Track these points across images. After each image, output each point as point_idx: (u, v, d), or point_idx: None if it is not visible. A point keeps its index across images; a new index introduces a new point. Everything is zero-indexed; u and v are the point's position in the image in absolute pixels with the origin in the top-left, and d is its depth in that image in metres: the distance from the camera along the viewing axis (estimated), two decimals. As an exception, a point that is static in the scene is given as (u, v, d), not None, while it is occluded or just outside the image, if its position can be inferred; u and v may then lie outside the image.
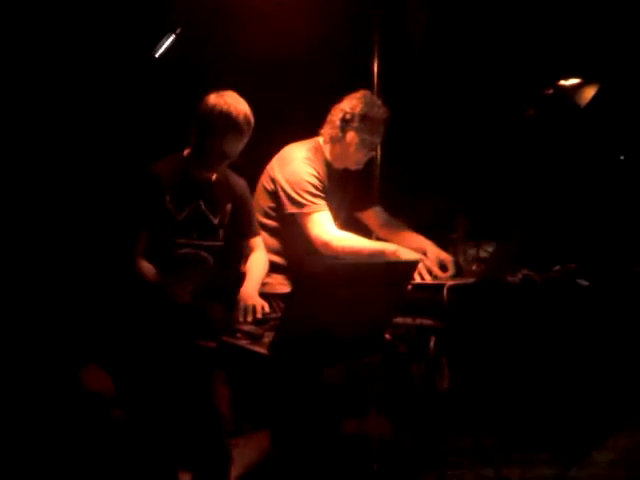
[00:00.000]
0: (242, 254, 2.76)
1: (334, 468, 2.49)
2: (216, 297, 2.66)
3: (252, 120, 2.51)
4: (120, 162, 3.29)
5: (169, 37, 3.25)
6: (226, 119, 2.46)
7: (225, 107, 2.47)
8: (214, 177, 2.63)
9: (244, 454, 3.10)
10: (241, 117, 2.47)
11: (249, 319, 2.33)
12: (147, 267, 2.48)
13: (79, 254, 3.56)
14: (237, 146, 2.53)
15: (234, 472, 2.89)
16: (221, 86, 2.59)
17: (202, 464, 2.45)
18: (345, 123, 2.87)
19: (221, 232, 2.66)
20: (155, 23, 3.33)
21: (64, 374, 3.32)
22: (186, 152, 2.62)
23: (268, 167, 2.94)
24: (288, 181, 2.83)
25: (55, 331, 3.47)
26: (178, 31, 3.23)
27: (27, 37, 3.37)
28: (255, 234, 2.78)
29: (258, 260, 2.73)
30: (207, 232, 2.61)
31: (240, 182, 2.75)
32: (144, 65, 3.38)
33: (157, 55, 3.21)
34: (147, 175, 2.52)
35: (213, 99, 2.51)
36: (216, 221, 2.63)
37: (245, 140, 2.53)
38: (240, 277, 2.70)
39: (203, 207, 2.60)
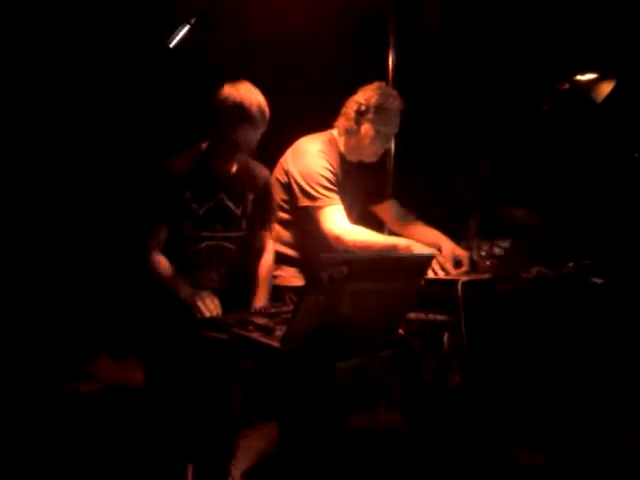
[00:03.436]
0: (252, 245, 2.74)
1: (341, 462, 2.48)
2: (239, 285, 2.67)
3: (267, 111, 2.49)
4: (135, 157, 3.30)
5: (184, 27, 3.24)
6: (239, 110, 2.44)
7: (238, 98, 2.45)
8: (234, 169, 2.61)
9: (253, 446, 3.10)
10: (254, 108, 2.45)
11: None
12: (163, 264, 2.48)
13: (94, 249, 3.58)
14: (252, 137, 2.50)
15: (243, 464, 2.89)
16: (234, 77, 2.57)
17: (205, 456, 2.45)
18: (360, 115, 2.85)
19: (244, 222, 2.65)
20: (169, 13, 3.32)
21: (76, 364, 3.34)
22: (203, 145, 2.60)
23: (282, 160, 2.93)
24: (302, 174, 2.81)
25: (68, 322, 3.48)
26: (193, 21, 3.22)
27: (42, 29, 3.37)
28: (269, 228, 2.77)
29: (267, 277, 2.72)
30: (230, 223, 2.61)
31: (264, 172, 2.74)
32: (159, 56, 3.38)
33: (172, 45, 3.20)
34: (164, 172, 2.51)
35: (227, 90, 2.49)
36: (239, 212, 2.62)
37: (260, 131, 2.51)
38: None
39: (225, 200, 2.58)
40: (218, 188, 2.57)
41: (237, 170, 2.62)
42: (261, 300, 2.61)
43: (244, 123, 2.45)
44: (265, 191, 2.72)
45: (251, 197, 2.66)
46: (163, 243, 2.50)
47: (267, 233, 2.76)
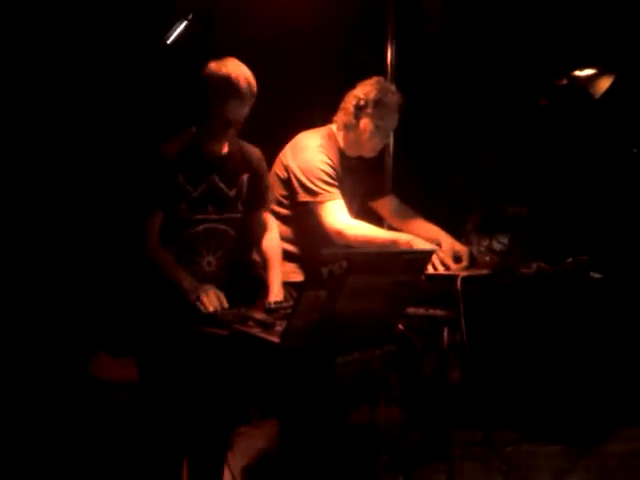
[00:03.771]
0: (255, 227, 2.72)
1: (341, 458, 2.48)
2: (239, 270, 2.65)
3: (254, 84, 2.46)
4: (130, 147, 3.28)
5: (181, 23, 3.23)
6: (227, 84, 2.41)
7: (225, 72, 2.42)
8: (225, 150, 2.59)
9: (252, 443, 3.10)
10: (242, 81, 2.42)
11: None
12: (161, 252, 2.46)
13: (90, 241, 3.56)
14: (240, 112, 2.47)
15: (241, 461, 2.89)
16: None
17: (200, 450, 2.44)
18: (359, 110, 2.84)
19: (239, 204, 2.63)
20: (166, 9, 3.31)
21: (74, 361, 3.33)
22: (194, 128, 2.58)
23: (281, 155, 2.92)
24: (301, 169, 2.81)
25: (65, 318, 3.47)
26: (190, 17, 3.21)
27: (38, 20, 3.36)
28: (268, 207, 2.75)
29: (276, 251, 2.71)
30: (224, 205, 2.59)
31: (255, 152, 2.70)
32: (156, 51, 3.37)
33: (169, 41, 3.19)
34: (156, 156, 2.49)
35: (213, 66, 2.46)
36: (232, 193, 2.61)
37: (248, 105, 2.48)
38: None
39: (218, 181, 2.57)
40: (210, 170, 2.55)
41: (229, 151, 2.59)
42: (276, 283, 2.59)
43: (233, 98, 2.42)
44: (259, 170, 2.69)
45: (245, 177, 2.64)
46: (159, 229, 2.48)
47: (264, 211, 2.73)
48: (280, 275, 2.64)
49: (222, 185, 2.57)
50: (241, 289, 2.60)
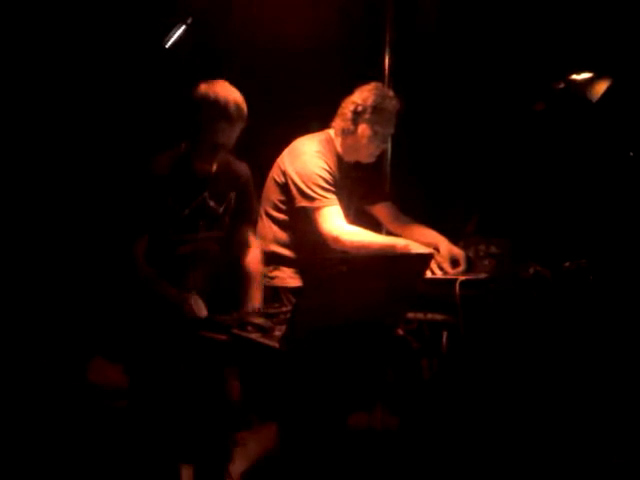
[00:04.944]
0: (238, 243, 2.71)
1: (340, 462, 2.48)
2: (221, 283, 2.64)
3: (244, 107, 2.45)
4: (123, 158, 3.28)
5: (180, 27, 3.24)
6: (216, 108, 2.40)
7: (214, 96, 2.41)
8: (214, 168, 2.59)
9: (251, 448, 3.09)
10: (231, 105, 2.41)
11: None
12: (147, 268, 2.45)
13: (83, 251, 3.56)
14: (229, 136, 2.46)
15: (241, 466, 2.89)
16: (231, 76, 2.55)
17: (203, 456, 2.44)
18: (357, 115, 2.85)
19: (226, 220, 2.63)
20: (166, 13, 3.32)
21: (70, 366, 3.33)
22: (184, 145, 2.56)
23: (279, 160, 2.92)
24: (299, 174, 2.81)
25: (61, 324, 3.47)
26: (189, 21, 3.21)
27: (37, 26, 3.36)
28: (252, 223, 2.75)
29: (257, 267, 2.70)
30: (213, 223, 2.59)
31: (243, 168, 2.70)
32: (155, 56, 3.37)
33: (167, 45, 3.19)
34: (147, 175, 2.48)
35: (203, 89, 2.45)
36: (221, 210, 2.60)
37: (238, 129, 2.47)
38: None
39: (208, 199, 2.56)
40: (201, 188, 2.54)
41: (218, 169, 2.59)
42: (256, 300, 2.58)
43: (222, 121, 2.41)
44: (246, 187, 2.69)
45: (233, 194, 2.63)
46: (145, 247, 2.46)
47: (250, 228, 2.72)
48: (260, 293, 2.62)
49: (212, 203, 2.57)
50: (226, 299, 2.60)
